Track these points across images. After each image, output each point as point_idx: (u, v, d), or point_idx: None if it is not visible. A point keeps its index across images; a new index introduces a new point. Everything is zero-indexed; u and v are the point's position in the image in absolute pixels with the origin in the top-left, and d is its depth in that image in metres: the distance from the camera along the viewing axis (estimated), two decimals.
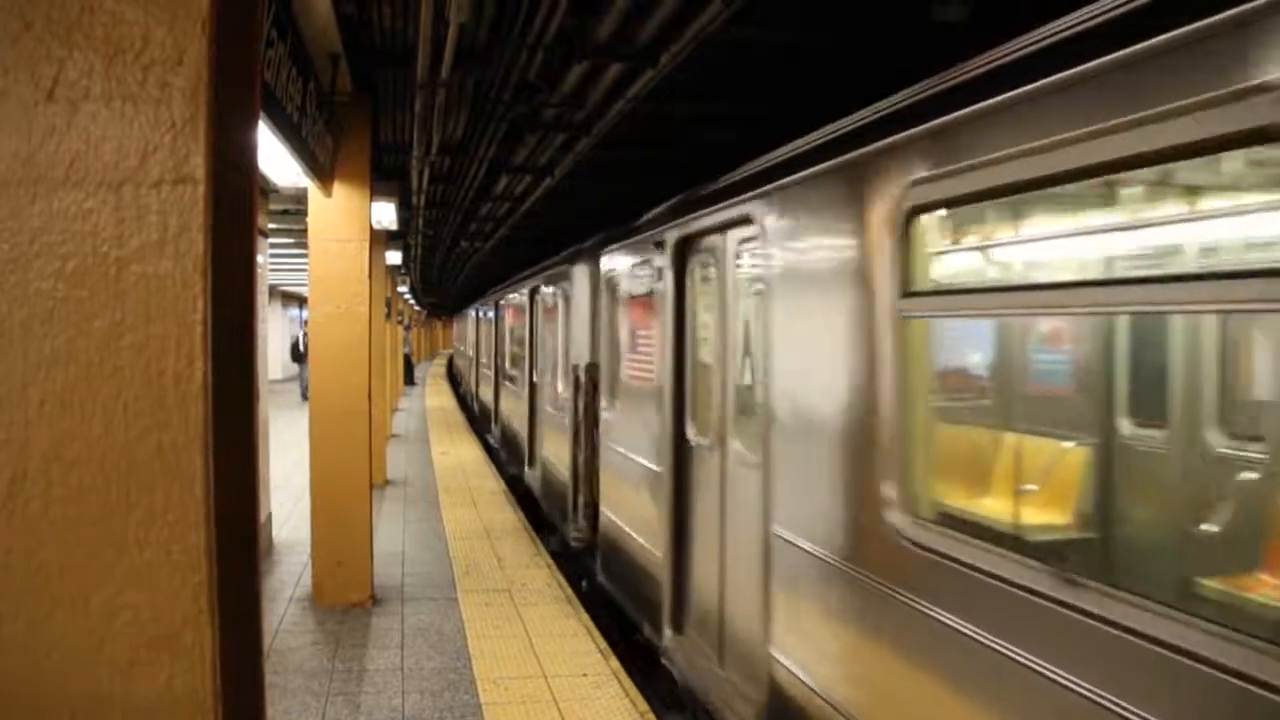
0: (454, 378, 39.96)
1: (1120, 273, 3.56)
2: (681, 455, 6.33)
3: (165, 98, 1.38)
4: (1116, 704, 2.47)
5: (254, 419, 1.66)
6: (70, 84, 1.37)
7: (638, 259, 7.50)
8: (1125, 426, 4.10)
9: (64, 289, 1.38)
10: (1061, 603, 2.68)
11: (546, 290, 11.59)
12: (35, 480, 1.36)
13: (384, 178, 10.00)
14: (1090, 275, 3.59)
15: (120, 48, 1.38)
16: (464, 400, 28.69)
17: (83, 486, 1.37)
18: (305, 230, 8.00)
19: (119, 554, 1.37)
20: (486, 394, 19.33)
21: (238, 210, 1.56)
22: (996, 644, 2.94)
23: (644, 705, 5.82)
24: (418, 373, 41.23)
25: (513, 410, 14.04)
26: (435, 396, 31.21)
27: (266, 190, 9.19)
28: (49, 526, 1.36)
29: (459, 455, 16.97)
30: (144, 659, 1.38)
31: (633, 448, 7.43)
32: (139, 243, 1.38)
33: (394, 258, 16.80)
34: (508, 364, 16.04)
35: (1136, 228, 3.46)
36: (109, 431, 1.38)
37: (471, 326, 22.87)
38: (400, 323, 29.28)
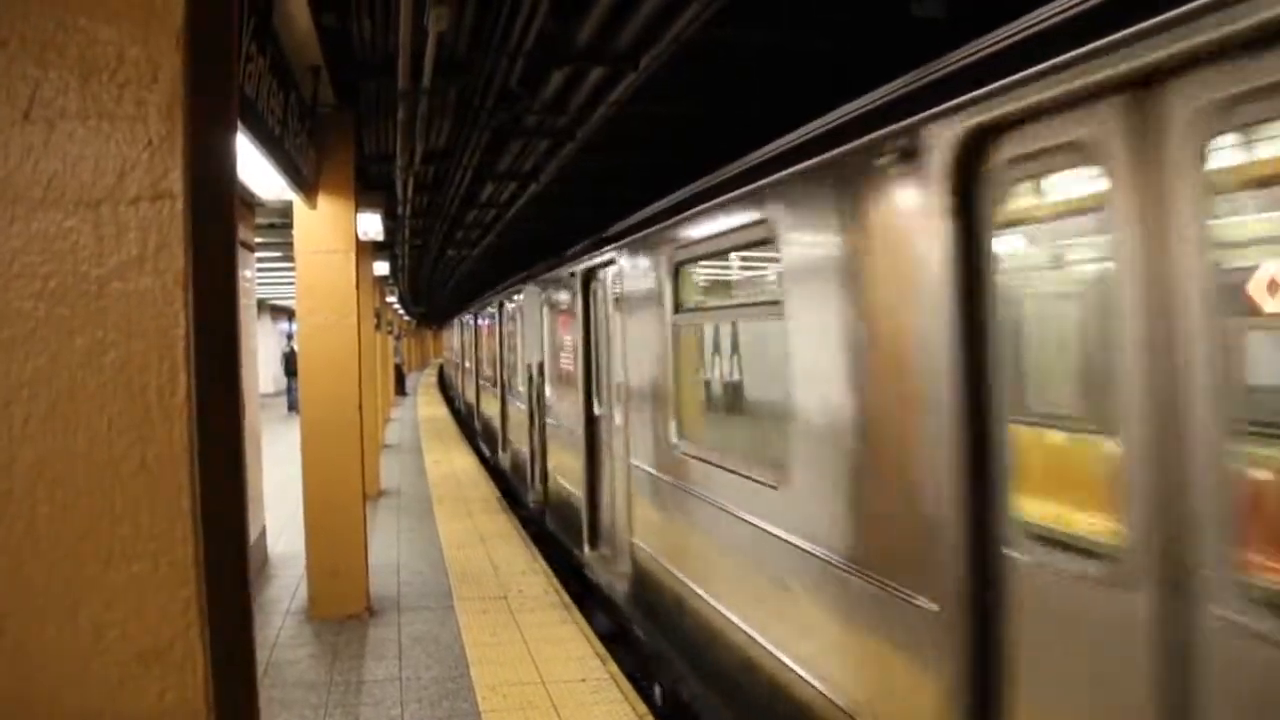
0: (446, 390, 39.93)
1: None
2: (591, 423, 8.97)
3: (141, 114, 1.39)
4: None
5: (240, 431, 1.66)
6: (46, 103, 1.38)
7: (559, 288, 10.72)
8: None
9: (45, 308, 1.38)
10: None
11: (509, 307, 15.21)
12: (21, 499, 1.37)
13: (369, 188, 10.01)
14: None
15: (95, 66, 1.38)
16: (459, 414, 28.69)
17: (68, 503, 1.37)
18: (292, 243, 8.00)
19: (106, 569, 1.37)
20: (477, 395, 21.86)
21: (218, 224, 1.56)
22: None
23: (643, 708, 5.83)
24: (409, 383, 41.18)
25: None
26: (427, 406, 31.18)
27: (252, 204, 9.18)
28: (35, 544, 1.37)
29: (452, 464, 16.95)
30: (134, 674, 1.38)
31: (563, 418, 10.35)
32: (119, 260, 1.39)
33: (381, 268, 16.79)
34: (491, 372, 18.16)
35: None
36: (93, 448, 1.38)
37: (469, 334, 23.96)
38: (390, 333, 29.24)
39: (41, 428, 1.37)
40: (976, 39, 3.17)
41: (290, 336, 29.03)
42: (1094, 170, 2.57)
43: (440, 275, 30.58)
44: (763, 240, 4.75)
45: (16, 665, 1.36)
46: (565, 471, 10.13)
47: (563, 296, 10.01)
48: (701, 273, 6.22)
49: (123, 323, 1.39)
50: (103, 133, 1.39)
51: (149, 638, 1.38)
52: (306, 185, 7.15)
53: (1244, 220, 2.39)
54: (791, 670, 4.44)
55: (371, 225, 9.65)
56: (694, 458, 5.91)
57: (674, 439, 6.26)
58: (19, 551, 1.36)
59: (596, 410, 8.75)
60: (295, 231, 7.84)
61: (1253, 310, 2.26)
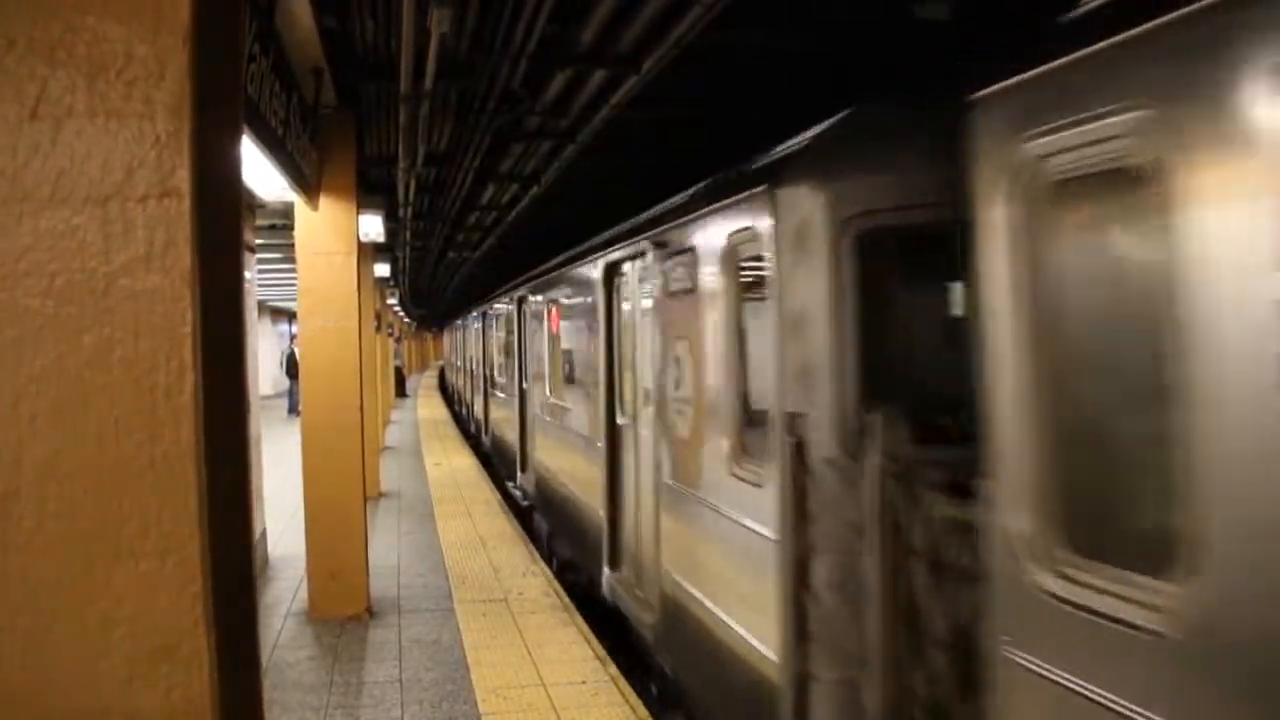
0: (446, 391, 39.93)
1: None
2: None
3: (149, 113, 1.39)
4: None
5: (245, 430, 1.66)
6: (54, 101, 1.38)
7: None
8: None
9: (53, 305, 1.38)
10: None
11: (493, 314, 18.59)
12: (30, 496, 1.37)
13: (370, 190, 10.01)
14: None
15: (103, 64, 1.38)
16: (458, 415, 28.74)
17: (76, 501, 1.37)
18: (293, 245, 8.00)
19: (114, 567, 1.37)
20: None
21: (224, 223, 1.56)
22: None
23: (644, 711, 5.83)
24: (409, 385, 41.17)
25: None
26: (427, 409, 31.17)
27: (253, 205, 9.18)
28: (44, 541, 1.37)
29: (452, 466, 16.95)
30: (142, 671, 1.38)
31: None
32: (126, 257, 1.39)
33: (382, 270, 16.78)
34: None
35: None
36: (101, 446, 1.38)
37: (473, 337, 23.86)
38: (391, 335, 29.24)
39: (49, 425, 1.37)
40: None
41: (293, 338, 29.00)
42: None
43: (441, 278, 30.59)
44: None
45: (27, 661, 1.36)
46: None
47: None
48: None
49: (130, 321, 1.39)
50: (110, 130, 1.39)
51: (157, 635, 1.38)
52: (308, 186, 7.16)
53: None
54: None
55: (373, 227, 9.65)
56: None
57: None
58: (28, 549, 1.36)
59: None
60: (296, 233, 7.85)
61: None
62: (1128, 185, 2.42)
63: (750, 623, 4.69)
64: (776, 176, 4.43)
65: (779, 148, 4.81)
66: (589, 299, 8.71)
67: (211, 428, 1.44)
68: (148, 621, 1.38)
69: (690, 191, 5.99)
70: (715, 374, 5.19)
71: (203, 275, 1.42)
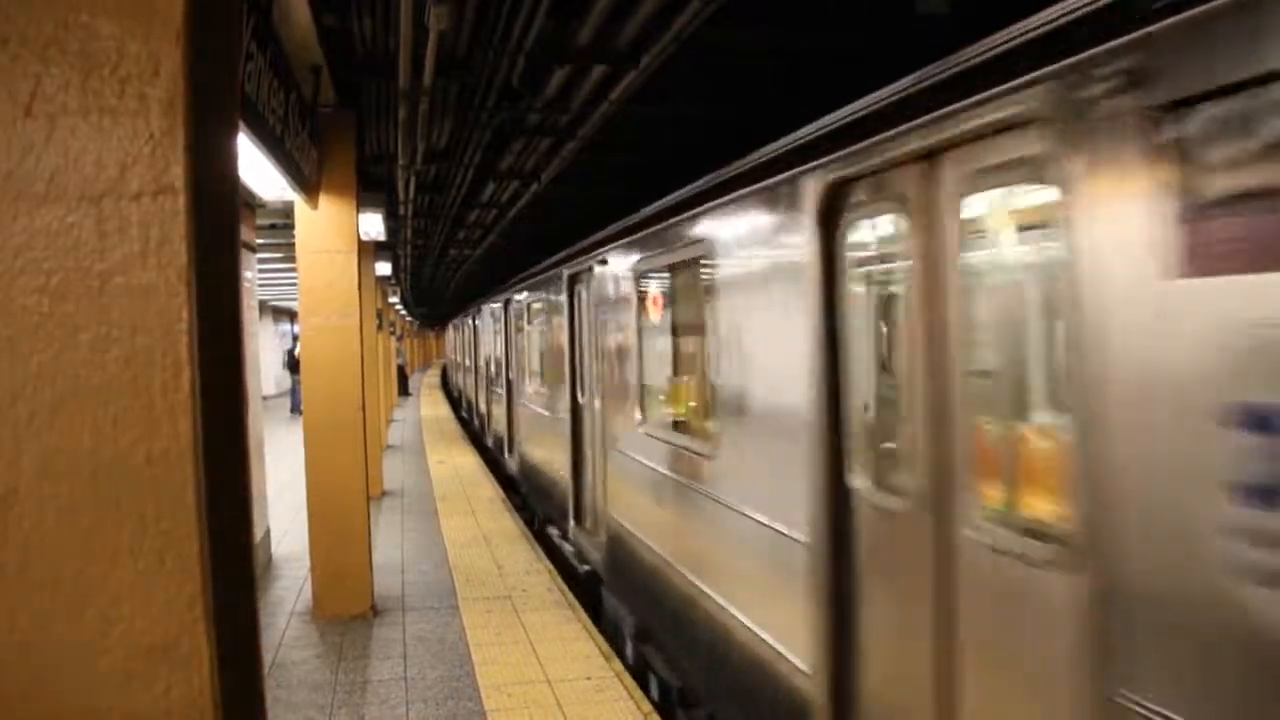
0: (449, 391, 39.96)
1: None
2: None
3: (143, 109, 1.38)
4: None
5: (244, 427, 1.65)
6: (48, 99, 1.37)
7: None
8: None
9: (49, 304, 1.38)
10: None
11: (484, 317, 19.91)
12: (27, 495, 1.36)
13: (370, 188, 10.00)
14: None
15: (96, 61, 1.38)
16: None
17: (74, 499, 1.37)
18: (293, 244, 8.00)
19: (112, 565, 1.37)
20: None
21: (220, 220, 1.56)
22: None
23: (647, 706, 5.83)
24: (411, 382, 41.21)
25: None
26: (430, 407, 31.19)
27: (253, 205, 9.18)
28: (41, 540, 1.36)
29: (455, 464, 16.95)
30: (140, 670, 1.38)
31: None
32: (121, 255, 1.38)
33: (383, 269, 16.79)
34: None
35: None
36: (99, 444, 1.37)
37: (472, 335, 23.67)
38: (392, 334, 29.25)
39: (47, 424, 1.37)
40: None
41: (295, 338, 29.03)
42: None
43: (442, 277, 30.59)
44: None
45: (25, 661, 1.36)
46: None
47: None
48: None
49: (126, 318, 1.38)
50: (104, 128, 1.38)
51: (155, 633, 1.38)
52: (308, 185, 7.15)
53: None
54: None
55: (373, 225, 9.65)
56: None
57: None
58: (25, 548, 1.36)
59: None
60: (297, 232, 7.84)
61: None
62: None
63: None
64: None
65: None
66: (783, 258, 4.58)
67: (210, 424, 1.43)
68: (146, 620, 1.38)
69: None
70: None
71: (199, 271, 1.42)
